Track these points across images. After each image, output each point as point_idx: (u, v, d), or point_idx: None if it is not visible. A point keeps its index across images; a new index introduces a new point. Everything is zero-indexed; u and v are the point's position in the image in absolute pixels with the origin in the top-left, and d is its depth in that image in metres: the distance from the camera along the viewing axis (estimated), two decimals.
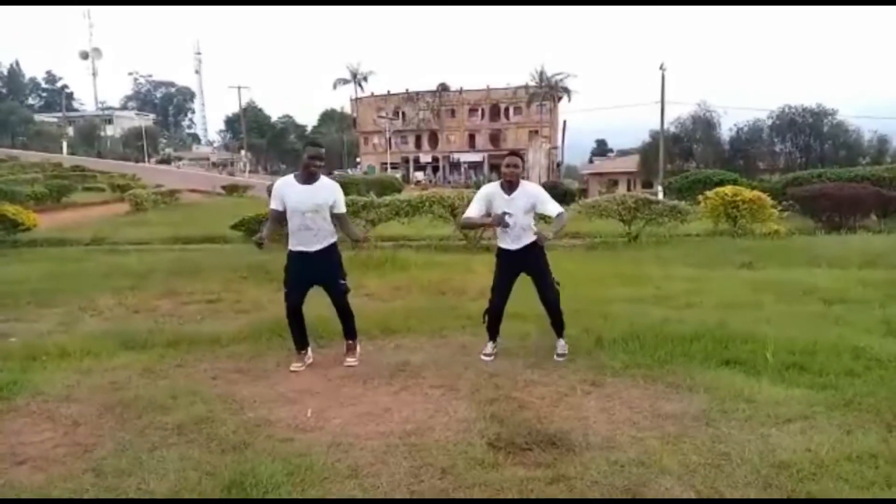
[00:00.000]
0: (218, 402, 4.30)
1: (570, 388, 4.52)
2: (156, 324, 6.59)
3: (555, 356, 5.26)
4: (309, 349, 5.31)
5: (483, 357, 5.22)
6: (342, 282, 5.26)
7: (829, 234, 13.82)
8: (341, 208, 5.22)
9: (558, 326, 5.38)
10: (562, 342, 5.35)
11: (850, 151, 44.06)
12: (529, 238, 5.22)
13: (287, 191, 5.04)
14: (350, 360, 5.22)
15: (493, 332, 5.38)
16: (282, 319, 6.06)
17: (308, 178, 5.06)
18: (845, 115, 47.01)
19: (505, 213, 5.09)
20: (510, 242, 5.20)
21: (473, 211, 5.27)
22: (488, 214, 5.21)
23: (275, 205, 5.13)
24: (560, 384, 4.60)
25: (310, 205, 4.99)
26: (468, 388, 4.53)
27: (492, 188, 5.30)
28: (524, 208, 5.14)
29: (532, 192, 5.26)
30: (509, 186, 5.16)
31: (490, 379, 4.71)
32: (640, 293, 7.80)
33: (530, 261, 5.24)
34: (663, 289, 8.04)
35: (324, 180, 5.17)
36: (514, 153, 5.33)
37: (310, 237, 5.04)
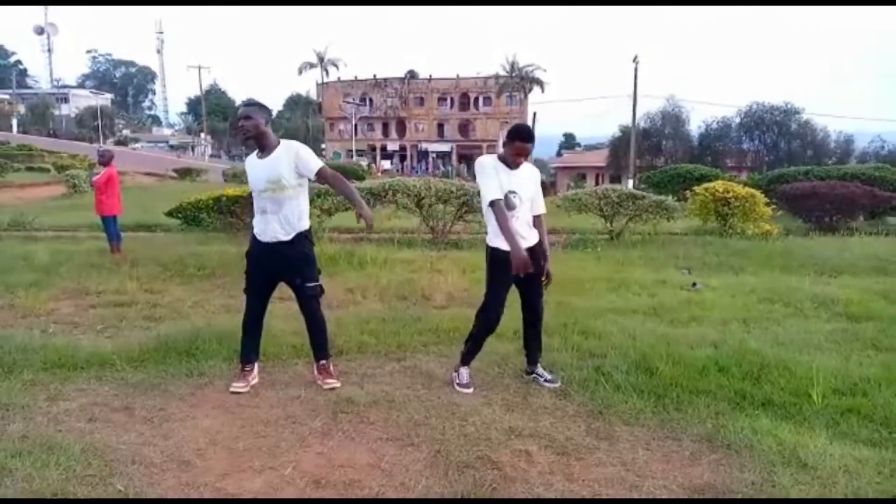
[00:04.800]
0: (81, 461, 3.06)
1: (570, 442, 3.40)
2: (41, 334, 5.25)
3: (543, 382, 4.21)
4: (256, 366, 4.22)
5: (461, 390, 4.09)
6: (310, 284, 4.11)
7: (823, 235, 12.99)
8: (315, 165, 3.97)
9: (537, 349, 4.33)
10: (540, 368, 4.31)
11: (817, 151, 44.21)
12: (535, 236, 4.12)
13: (247, 168, 4.20)
14: (331, 382, 4.13)
15: (472, 357, 4.25)
16: (198, 333, 4.93)
17: (259, 147, 4.02)
18: (811, 114, 47.25)
19: (512, 193, 3.98)
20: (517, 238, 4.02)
21: (497, 192, 3.95)
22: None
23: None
24: (555, 436, 3.47)
25: (263, 182, 3.94)
26: (430, 442, 3.36)
27: (493, 161, 4.08)
28: (532, 188, 4.11)
29: (536, 172, 4.25)
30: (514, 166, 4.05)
31: (460, 427, 3.54)
32: (634, 303, 6.72)
33: (533, 263, 4.10)
34: (659, 297, 6.97)
35: (280, 147, 3.99)
36: (526, 138, 3.99)
37: (268, 223, 3.98)
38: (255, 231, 4.11)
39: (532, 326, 4.29)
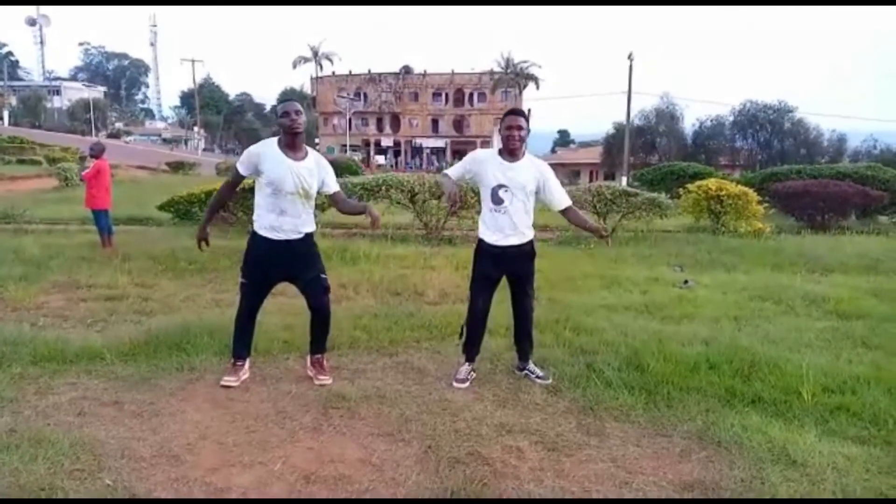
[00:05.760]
0: (69, 456, 3.03)
1: (560, 438, 3.40)
2: (31, 328, 5.21)
3: (534, 378, 4.22)
4: (247, 361, 4.17)
5: (456, 384, 4.09)
6: (324, 276, 4.11)
7: (815, 233, 13.01)
8: (335, 186, 4.06)
9: (528, 345, 4.32)
10: (532, 365, 4.31)
11: (810, 150, 44.34)
12: (527, 233, 4.10)
13: (268, 162, 3.86)
14: (323, 378, 4.10)
15: (473, 351, 4.26)
16: (189, 328, 4.90)
17: (293, 146, 3.88)
18: (804, 113, 47.37)
19: (500, 187, 3.99)
20: (499, 234, 4.04)
21: (453, 172, 4.18)
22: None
23: (243, 169, 3.93)
24: (545, 432, 3.47)
25: (292, 185, 3.84)
26: (421, 438, 3.35)
27: (488, 153, 4.15)
28: (526, 185, 4.03)
29: (540, 166, 4.13)
30: (510, 155, 4.02)
31: (451, 423, 3.54)
32: (626, 300, 6.73)
33: (518, 263, 4.13)
34: (651, 294, 6.98)
35: (312, 157, 3.97)
36: (516, 111, 4.07)
37: (283, 223, 3.90)
38: (264, 229, 3.94)
39: (521, 324, 4.30)
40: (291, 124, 3.83)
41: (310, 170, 3.92)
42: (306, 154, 3.95)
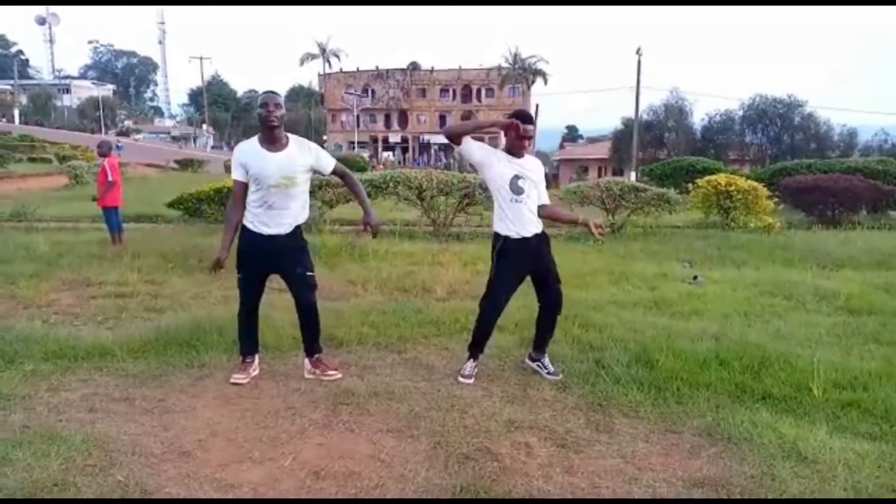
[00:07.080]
0: (81, 451, 3.06)
1: (569, 435, 3.39)
2: (42, 325, 5.25)
3: (545, 374, 4.20)
4: (256, 357, 4.19)
5: (462, 380, 4.10)
6: (311, 273, 4.09)
7: (826, 229, 12.93)
8: (331, 162, 4.03)
9: (551, 331, 4.32)
10: (546, 358, 4.29)
11: (821, 144, 43.96)
12: (539, 223, 4.12)
13: (249, 158, 3.88)
14: (332, 374, 4.13)
15: (480, 350, 4.25)
16: (199, 325, 4.92)
17: (271, 139, 3.85)
18: (815, 107, 46.97)
19: (518, 177, 3.98)
20: (522, 226, 4.03)
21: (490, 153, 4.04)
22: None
23: (237, 174, 3.92)
24: (554, 428, 3.46)
25: (276, 177, 3.81)
26: (430, 434, 3.36)
27: (497, 149, 4.12)
28: (539, 176, 4.09)
29: (540, 163, 4.21)
30: (515, 155, 4.06)
31: (460, 419, 3.54)
32: (635, 296, 6.71)
33: (542, 254, 4.12)
34: (660, 290, 6.95)
35: (294, 141, 3.95)
36: (526, 117, 4.04)
37: (272, 217, 3.88)
38: (252, 224, 3.93)
39: (551, 313, 4.23)
40: (267, 115, 3.80)
41: (290, 157, 3.87)
42: (287, 143, 3.91)
